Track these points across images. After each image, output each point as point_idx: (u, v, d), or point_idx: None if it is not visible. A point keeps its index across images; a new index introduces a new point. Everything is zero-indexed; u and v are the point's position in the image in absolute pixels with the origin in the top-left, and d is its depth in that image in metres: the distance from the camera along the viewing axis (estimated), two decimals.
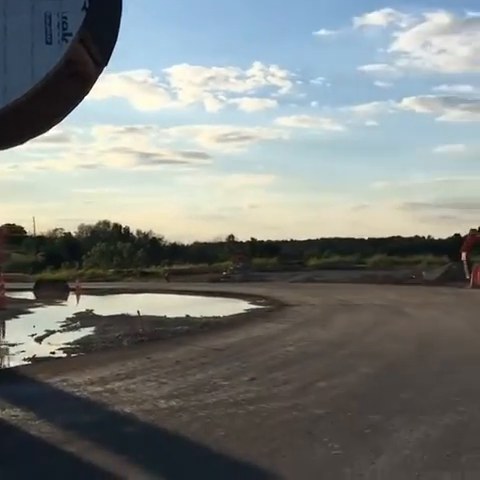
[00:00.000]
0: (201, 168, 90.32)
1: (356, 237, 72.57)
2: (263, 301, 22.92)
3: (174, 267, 50.90)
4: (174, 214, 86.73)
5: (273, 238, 71.64)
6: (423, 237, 76.10)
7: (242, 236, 69.23)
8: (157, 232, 76.17)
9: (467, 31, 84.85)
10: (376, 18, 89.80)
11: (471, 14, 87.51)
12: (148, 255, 63.13)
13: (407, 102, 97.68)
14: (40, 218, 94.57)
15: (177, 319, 16.69)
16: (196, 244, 77.66)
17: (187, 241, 76.64)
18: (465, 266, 30.02)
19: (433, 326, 14.86)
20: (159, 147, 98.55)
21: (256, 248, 63.06)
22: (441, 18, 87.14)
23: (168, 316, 17.34)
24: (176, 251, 70.48)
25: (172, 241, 76.89)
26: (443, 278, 32.07)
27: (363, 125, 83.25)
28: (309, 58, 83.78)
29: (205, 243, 76.50)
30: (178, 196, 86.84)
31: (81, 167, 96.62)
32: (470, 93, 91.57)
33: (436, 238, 70.05)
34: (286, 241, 74.35)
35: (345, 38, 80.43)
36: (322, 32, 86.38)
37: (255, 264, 49.02)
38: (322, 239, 72.78)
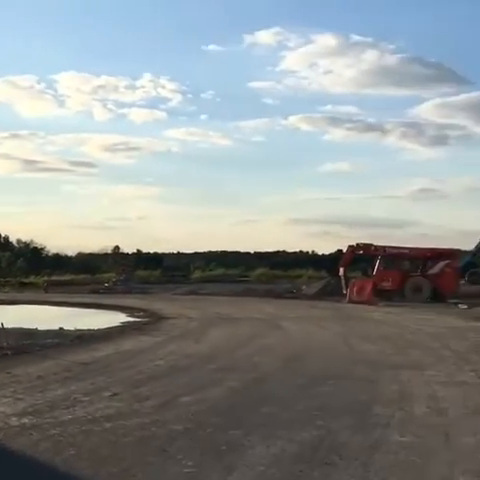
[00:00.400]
0: (88, 177, 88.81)
1: (242, 251, 73.19)
2: (141, 313, 22.55)
3: (54, 278, 49.43)
4: (58, 223, 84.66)
5: (160, 250, 70.98)
6: (307, 252, 77.67)
7: (128, 248, 68.11)
8: (39, 241, 73.65)
9: (352, 54, 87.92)
10: (265, 36, 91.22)
11: (356, 38, 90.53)
12: (28, 265, 61.06)
13: (293, 120, 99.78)
14: None
15: (48, 332, 16.03)
16: (80, 255, 75.82)
17: (71, 251, 74.64)
18: (342, 281, 30.79)
19: (306, 340, 15.05)
20: (45, 154, 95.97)
21: (142, 260, 62.29)
22: (327, 40, 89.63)
23: (40, 328, 16.65)
24: (59, 261, 68.54)
25: (55, 251, 74.64)
26: (321, 293, 32.76)
27: (251, 140, 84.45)
28: (199, 72, 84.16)
29: (90, 254, 74.77)
30: (63, 205, 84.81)
31: None
32: (354, 113, 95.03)
33: (320, 253, 71.69)
34: (173, 253, 73.89)
35: (235, 54, 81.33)
36: (212, 47, 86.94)
37: (139, 276, 48.45)
38: (209, 252, 72.90)
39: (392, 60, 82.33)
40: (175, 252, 74.04)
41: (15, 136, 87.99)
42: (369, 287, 29.14)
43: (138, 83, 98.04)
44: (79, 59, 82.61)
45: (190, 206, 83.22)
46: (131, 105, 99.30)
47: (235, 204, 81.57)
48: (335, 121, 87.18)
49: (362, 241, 32.12)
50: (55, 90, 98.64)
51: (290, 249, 76.60)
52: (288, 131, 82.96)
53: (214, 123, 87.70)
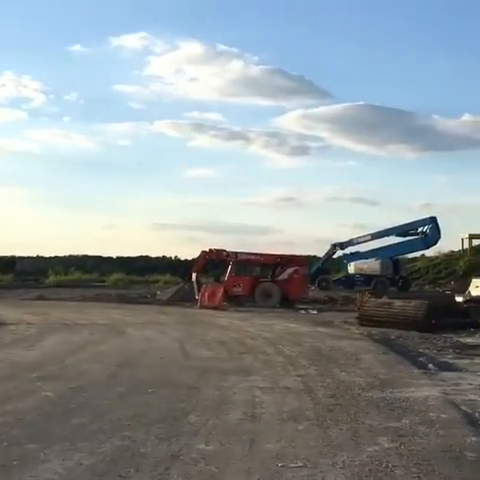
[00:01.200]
0: None
1: (105, 255, 71.59)
2: None
3: None
4: None
5: (19, 254, 67.99)
6: (170, 257, 77.34)
7: None
8: None
9: (218, 62, 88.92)
10: (132, 40, 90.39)
11: (222, 47, 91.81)
12: None
13: (159, 125, 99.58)
14: None
15: None
16: None
17: None
18: (195, 286, 30.84)
19: (143, 346, 14.83)
20: None
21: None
22: (194, 48, 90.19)
23: None
24: None
25: None
26: (174, 298, 32.65)
27: (116, 144, 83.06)
28: (63, 73, 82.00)
29: None
30: None
31: None
32: (219, 121, 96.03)
33: (183, 259, 71.58)
34: (31, 257, 71.04)
35: (100, 57, 79.92)
36: (77, 48, 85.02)
37: None
38: (70, 256, 70.66)
39: (256, 71, 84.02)
40: (34, 255, 71.30)
41: None
42: (220, 293, 29.31)
43: None
44: None
45: (52, 209, 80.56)
46: None
47: (99, 208, 79.71)
48: (200, 128, 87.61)
49: (225, 247, 32.34)
50: None
51: (154, 254, 75.98)
52: (154, 136, 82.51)
53: (77, 125, 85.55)
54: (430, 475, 5.80)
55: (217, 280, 32.51)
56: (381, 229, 41.19)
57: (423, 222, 39.48)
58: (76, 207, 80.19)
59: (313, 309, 28.56)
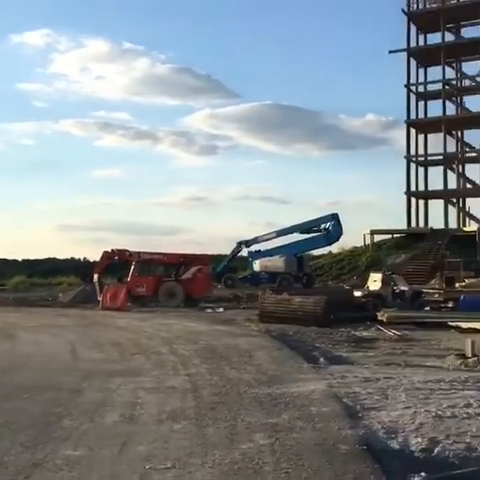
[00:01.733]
0: None
1: (10, 258, 69.11)
2: None
3: None
4: None
5: None
6: (79, 259, 75.68)
7: None
8: None
9: (124, 61, 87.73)
10: (34, 38, 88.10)
11: (128, 45, 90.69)
12: None
13: (64, 124, 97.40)
14: None
15: None
16: None
17: None
18: (97, 287, 30.22)
19: (32, 350, 14.30)
20: None
21: None
22: (99, 46, 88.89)
23: None
24: None
25: None
26: (76, 300, 31.92)
27: (20, 144, 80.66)
28: None
29: None
30: None
31: None
32: (127, 120, 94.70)
33: (92, 260, 70.07)
34: None
35: (1, 54, 77.50)
36: None
37: None
38: None
39: (163, 69, 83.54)
40: None
41: None
42: (122, 293, 28.83)
43: None
44: None
45: None
46: None
47: (3, 209, 77.05)
48: (107, 127, 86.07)
49: (134, 248, 31.84)
50: None
51: (61, 256, 74.18)
52: (59, 135, 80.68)
53: None
54: (299, 470, 5.75)
55: (120, 281, 31.94)
56: (285, 226, 41.57)
57: (325, 219, 40.09)
58: None
59: (219, 307, 28.53)
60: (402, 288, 25.35)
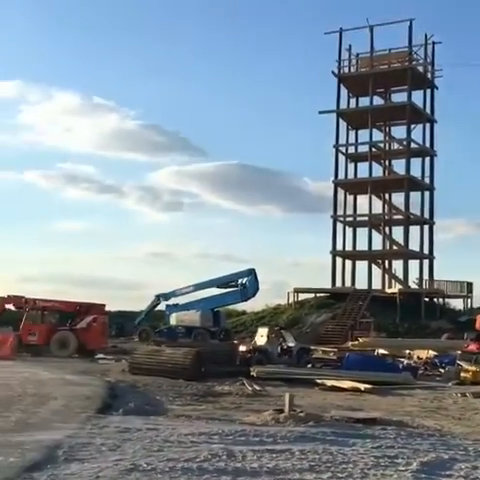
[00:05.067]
0: None
1: None
2: None
3: None
4: None
5: None
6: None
7: None
8: None
9: (94, 115, 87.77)
10: (5, 88, 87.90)
11: (98, 100, 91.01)
12: None
13: (29, 175, 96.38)
14: None
15: None
16: None
17: None
18: None
19: None
20: None
21: None
22: (70, 99, 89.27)
23: None
24: None
25: None
26: None
27: None
28: None
29: None
30: None
31: None
32: (93, 174, 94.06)
33: None
34: None
35: None
36: None
37: None
38: None
39: (132, 125, 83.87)
40: None
41: None
42: (9, 341, 27.74)
43: None
44: None
45: None
46: None
47: None
48: (73, 179, 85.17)
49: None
50: None
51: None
52: (24, 186, 79.72)
53: None
54: None
55: (17, 329, 30.82)
56: (203, 280, 40.96)
57: (242, 274, 39.57)
58: None
59: (113, 359, 27.68)
60: (289, 344, 24.78)
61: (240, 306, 45.41)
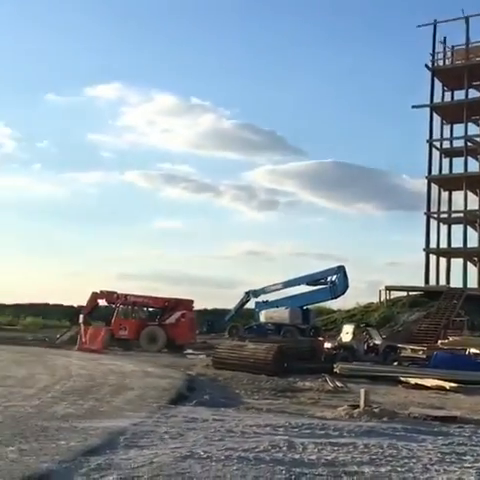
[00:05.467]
0: None
1: (66, 304, 68.99)
2: None
3: None
4: None
5: None
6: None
7: None
8: None
9: (191, 115, 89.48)
10: (106, 91, 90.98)
11: (195, 100, 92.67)
12: None
13: (130, 175, 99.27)
14: None
15: None
16: None
17: None
18: (82, 328, 30.04)
19: None
20: None
21: None
22: (167, 100, 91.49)
23: None
24: None
25: None
26: (63, 339, 31.88)
27: (86, 193, 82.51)
28: (36, 121, 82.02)
29: None
30: None
31: None
32: (190, 173, 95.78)
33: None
34: None
35: (75, 106, 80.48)
36: (51, 97, 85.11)
37: None
38: (31, 304, 68.02)
39: (227, 125, 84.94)
40: None
41: None
42: (100, 335, 28.52)
43: None
44: None
45: (13, 256, 78.82)
46: None
47: (65, 256, 78.13)
48: (171, 179, 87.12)
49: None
50: None
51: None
52: (124, 186, 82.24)
53: (48, 173, 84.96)
54: None
55: (108, 323, 31.65)
56: (292, 277, 40.80)
57: (331, 271, 39.13)
58: (42, 255, 78.77)
59: (201, 354, 27.96)
60: (375, 342, 24.26)
61: (331, 304, 45.01)
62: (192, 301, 31.68)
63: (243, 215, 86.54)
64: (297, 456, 7.37)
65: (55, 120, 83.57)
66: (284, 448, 7.74)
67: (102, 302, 32.15)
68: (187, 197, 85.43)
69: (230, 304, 45.99)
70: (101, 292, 31.60)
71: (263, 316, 40.21)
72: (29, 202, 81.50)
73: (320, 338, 30.24)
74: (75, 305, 67.81)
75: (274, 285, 41.32)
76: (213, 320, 43.67)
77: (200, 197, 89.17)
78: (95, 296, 31.47)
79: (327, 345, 24.19)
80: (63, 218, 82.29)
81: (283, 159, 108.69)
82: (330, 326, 43.60)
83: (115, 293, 31.22)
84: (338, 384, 17.73)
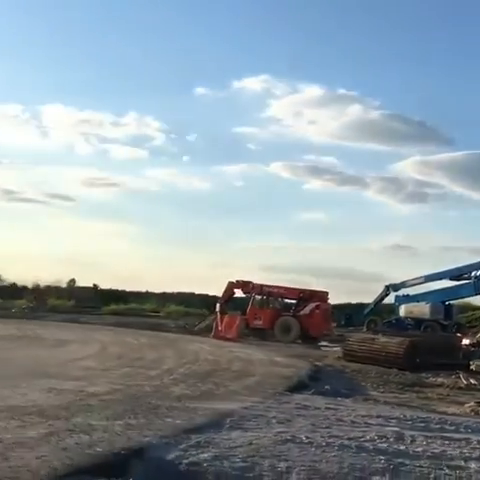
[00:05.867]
0: (63, 210, 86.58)
1: (211, 294, 71.05)
2: None
3: None
4: (26, 254, 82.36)
5: (126, 288, 69.39)
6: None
7: (85, 281, 67.51)
8: None
9: (337, 106, 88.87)
10: (253, 83, 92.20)
11: (342, 91, 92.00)
12: None
13: (275, 167, 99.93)
14: None
15: None
16: (35, 285, 74.26)
17: (31, 282, 72.83)
18: (218, 317, 30.70)
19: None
20: (22, 185, 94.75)
21: (100, 295, 62.05)
22: (314, 91, 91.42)
23: None
24: (14, 290, 67.27)
25: (14, 280, 73.15)
26: (201, 327, 32.75)
27: (231, 185, 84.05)
28: (185, 114, 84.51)
29: (48, 286, 73.09)
30: (35, 236, 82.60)
31: None
32: (334, 165, 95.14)
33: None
34: (142, 292, 71.63)
35: (222, 99, 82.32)
36: (200, 90, 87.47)
37: (52, 305, 48.63)
38: (179, 293, 71.01)
39: (375, 115, 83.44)
40: (143, 291, 72.15)
41: None
42: (235, 324, 29.04)
43: (123, 120, 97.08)
44: (66, 92, 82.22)
45: (163, 246, 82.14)
46: (114, 141, 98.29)
47: (209, 247, 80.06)
48: (316, 171, 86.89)
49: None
50: (40, 121, 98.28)
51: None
52: (269, 178, 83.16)
53: (196, 165, 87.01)
54: None
55: (244, 313, 32.11)
56: (435, 271, 39.54)
57: (476, 266, 37.52)
58: (187, 246, 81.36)
59: (335, 346, 27.76)
60: None
61: (475, 300, 43.17)
62: (327, 293, 31.48)
63: (389, 208, 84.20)
64: (402, 447, 7.14)
65: (203, 113, 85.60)
66: (391, 439, 7.52)
67: (238, 292, 32.62)
68: (332, 189, 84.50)
69: (370, 298, 45.33)
70: (237, 282, 32.11)
71: (403, 310, 39.36)
72: (177, 194, 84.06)
73: (459, 334, 29.07)
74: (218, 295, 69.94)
75: (415, 279, 40.27)
76: (351, 313, 43.25)
77: (344, 189, 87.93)
78: (231, 286, 32.03)
79: (465, 342, 23.21)
80: (209, 210, 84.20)
81: (433, 150, 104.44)
82: (475, 323, 41.89)
83: (250, 283, 31.63)
84: (472, 381, 16.98)
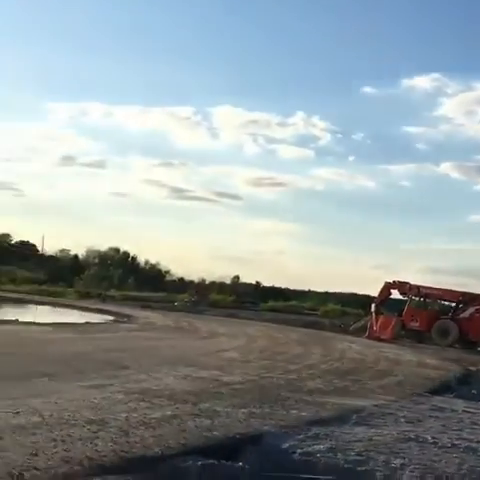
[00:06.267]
0: (231, 209, 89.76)
1: (372, 295, 70.24)
2: (125, 319, 23.84)
3: (133, 293, 52.19)
4: (194, 250, 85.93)
5: (289, 286, 70.65)
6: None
7: (249, 278, 69.52)
8: (166, 264, 75.98)
9: None
10: (423, 82, 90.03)
11: None
12: (137, 282, 63.79)
13: (444, 167, 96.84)
14: (60, 238, 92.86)
15: None
16: (201, 281, 77.04)
17: (196, 277, 75.83)
18: (373, 317, 30.24)
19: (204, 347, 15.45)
20: (192, 184, 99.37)
21: (261, 292, 63.57)
22: None
23: None
24: (181, 284, 70.16)
25: (181, 275, 76.56)
26: (356, 327, 32.38)
27: (397, 185, 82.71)
28: (351, 113, 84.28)
29: (212, 282, 75.61)
30: (203, 233, 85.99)
31: (112, 194, 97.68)
32: None
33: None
34: (304, 291, 72.31)
35: (390, 98, 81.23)
36: (367, 89, 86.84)
37: (213, 299, 50.16)
38: (340, 293, 71.06)
39: None
40: (306, 289, 72.90)
41: (167, 164, 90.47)
42: (391, 325, 28.50)
43: (290, 120, 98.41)
44: (235, 94, 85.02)
45: (326, 246, 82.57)
46: (281, 142, 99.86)
47: (371, 248, 79.75)
48: None
49: None
50: (210, 122, 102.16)
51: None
52: (437, 178, 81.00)
53: (361, 165, 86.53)
54: None
55: (400, 314, 31.38)
56: None
57: None
58: (349, 246, 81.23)
59: None
60: None
61: None
62: None
63: None
64: None
65: (370, 112, 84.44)
66: None
67: (394, 293, 31.95)
68: None
69: None
70: (394, 282, 31.40)
71: None
72: (342, 194, 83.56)
73: None
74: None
75: None
76: None
77: None
78: (388, 286, 31.38)
79: None
80: (375, 210, 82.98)
81: None
82: None
83: (408, 284, 30.82)
84: None
